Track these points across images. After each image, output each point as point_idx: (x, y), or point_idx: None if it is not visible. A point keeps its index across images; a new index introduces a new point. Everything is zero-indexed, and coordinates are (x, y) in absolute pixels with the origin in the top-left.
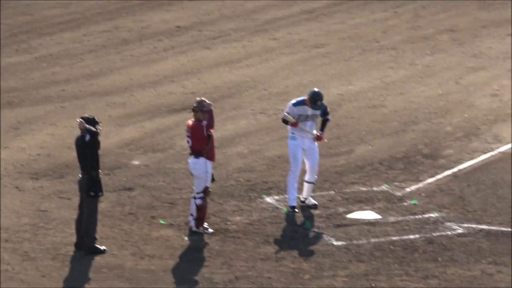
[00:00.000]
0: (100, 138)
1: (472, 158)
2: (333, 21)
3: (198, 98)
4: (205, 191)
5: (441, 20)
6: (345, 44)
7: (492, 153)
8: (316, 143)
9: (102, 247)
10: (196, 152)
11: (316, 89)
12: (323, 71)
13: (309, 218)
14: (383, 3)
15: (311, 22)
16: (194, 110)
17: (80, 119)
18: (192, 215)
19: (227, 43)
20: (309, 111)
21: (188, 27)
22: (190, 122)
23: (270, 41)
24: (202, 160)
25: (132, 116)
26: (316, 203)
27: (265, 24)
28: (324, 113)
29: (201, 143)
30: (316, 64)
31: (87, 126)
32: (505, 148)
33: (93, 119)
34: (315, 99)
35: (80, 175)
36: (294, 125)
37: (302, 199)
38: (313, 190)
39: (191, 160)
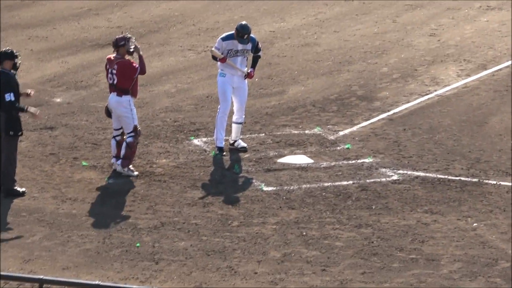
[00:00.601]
0: (20, 73)
1: (408, 101)
2: None
3: (124, 35)
4: (135, 129)
5: None
6: None
7: (430, 95)
8: (246, 81)
9: (22, 189)
10: (121, 89)
11: (243, 22)
12: (255, 6)
13: (238, 161)
14: None
15: None
16: (117, 45)
17: None
18: (114, 157)
19: None
20: (239, 46)
21: None
22: (112, 57)
23: None
24: (126, 97)
25: (55, 51)
26: (246, 145)
27: None
28: (256, 49)
29: (129, 81)
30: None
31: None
32: (442, 90)
33: (11, 52)
34: (242, 33)
35: None
36: (222, 60)
37: (231, 142)
38: (243, 132)
39: (114, 98)
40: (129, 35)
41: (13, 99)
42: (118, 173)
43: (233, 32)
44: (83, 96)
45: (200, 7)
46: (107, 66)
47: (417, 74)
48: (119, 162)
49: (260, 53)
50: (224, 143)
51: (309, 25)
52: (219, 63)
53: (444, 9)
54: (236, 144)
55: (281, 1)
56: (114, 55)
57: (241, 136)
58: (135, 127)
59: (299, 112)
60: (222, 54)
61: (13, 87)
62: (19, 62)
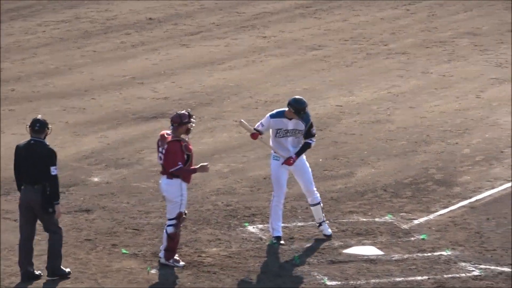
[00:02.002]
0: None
1: (492, 187)
2: (333, 18)
3: (187, 110)
4: (179, 217)
5: (461, 21)
6: (346, 47)
7: None
8: (304, 160)
9: (67, 269)
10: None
11: (297, 96)
12: (320, 77)
13: (299, 252)
14: (393, 0)
15: (308, 18)
16: (181, 122)
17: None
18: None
19: (207, 40)
20: (290, 124)
21: (162, 20)
22: (166, 133)
23: (258, 39)
24: (176, 181)
25: (93, 124)
26: (330, 232)
27: (253, 19)
28: (308, 133)
29: (175, 163)
30: (312, 69)
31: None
32: None
33: (44, 122)
34: (297, 108)
35: (24, 188)
36: (253, 136)
37: (317, 224)
38: (305, 219)
39: (163, 180)
40: (191, 112)
41: (56, 173)
42: (163, 263)
43: (284, 109)
44: (124, 175)
45: (258, 77)
46: (159, 143)
47: (503, 156)
48: (161, 254)
49: (312, 140)
50: (281, 232)
51: (381, 100)
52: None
53: None
54: (321, 228)
55: (350, 73)
56: (169, 132)
57: (324, 217)
58: (179, 214)
59: (369, 197)
60: (263, 131)
61: (56, 159)
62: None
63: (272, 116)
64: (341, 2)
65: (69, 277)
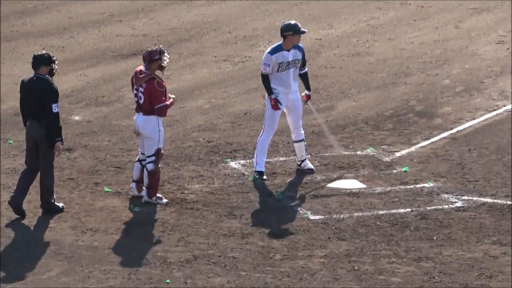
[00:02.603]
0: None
1: (474, 118)
2: None
3: (159, 47)
4: (158, 153)
5: None
6: None
7: (498, 111)
8: (299, 96)
9: (61, 205)
10: (148, 110)
11: (286, 22)
12: (298, 11)
13: (281, 186)
14: None
15: None
16: (151, 59)
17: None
18: (135, 181)
19: None
20: (290, 55)
21: None
22: (140, 70)
23: None
24: (153, 118)
25: (72, 62)
26: (313, 167)
27: None
28: (303, 60)
29: (159, 101)
30: (290, 3)
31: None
32: None
33: (49, 57)
34: (298, 29)
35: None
36: (274, 104)
37: (298, 163)
38: (286, 154)
39: (139, 117)
40: (163, 49)
41: (58, 110)
42: (146, 201)
43: (279, 43)
44: (105, 114)
45: (236, 12)
46: (133, 81)
47: (483, 87)
48: (144, 193)
49: (306, 68)
50: (264, 167)
51: (360, 32)
52: (271, 77)
53: None
54: (302, 165)
55: (328, 5)
56: (142, 68)
57: (307, 156)
58: (158, 151)
59: (350, 130)
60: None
61: (57, 96)
62: (56, 67)
63: (272, 53)
64: None
65: (64, 211)
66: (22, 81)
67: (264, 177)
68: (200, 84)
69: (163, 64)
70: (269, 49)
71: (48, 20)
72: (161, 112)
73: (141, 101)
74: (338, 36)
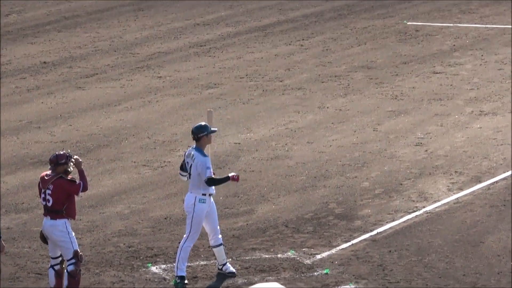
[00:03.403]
0: None
1: (393, 219)
2: (227, 56)
3: (66, 152)
4: (77, 255)
5: (355, 55)
6: (242, 84)
7: (417, 213)
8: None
9: None
10: (56, 212)
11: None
12: (217, 115)
13: None
14: (287, 34)
15: (202, 57)
16: (58, 163)
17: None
18: None
19: (103, 82)
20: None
21: (56, 63)
22: (46, 174)
23: (154, 79)
24: (60, 221)
25: None
26: (234, 270)
27: (148, 60)
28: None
29: (64, 202)
30: (209, 108)
31: None
32: (432, 207)
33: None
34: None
35: None
36: (237, 178)
37: (219, 267)
38: (207, 258)
39: (48, 222)
40: (70, 153)
41: None
42: None
43: (196, 146)
44: (25, 220)
45: (155, 118)
46: (40, 186)
47: (402, 188)
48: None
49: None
50: (185, 271)
51: (279, 136)
52: (195, 188)
53: (431, 115)
54: (224, 268)
55: (247, 110)
56: (48, 172)
57: (228, 259)
58: (75, 252)
59: (270, 233)
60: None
61: None
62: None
63: (206, 155)
64: (235, 40)
65: None
66: None
67: (186, 281)
68: (119, 189)
69: (68, 169)
70: (200, 153)
71: None
72: (84, 188)
73: (49, 204)
74: (257, 140)
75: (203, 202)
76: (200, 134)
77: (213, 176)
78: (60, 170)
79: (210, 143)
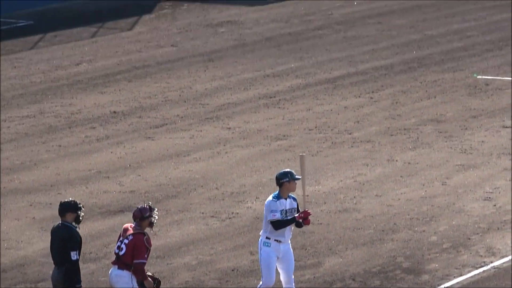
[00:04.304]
0: (20, 244)
1: (461, 274)
2: (297, 108)
3: (148, 204)
4: None
5: (425, 108)
6: (311, 136)
7: (485, 268)
8: (291, 248)
9: None
10: (125, 263)
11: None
12: (286, 167)
13: None
14: (356, 87)
15: (271, 108)
16: (143, 217)
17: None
18: None
19: (172, 133)
20: (287, 204)
21: (126, 113)
22: (130, 226)
23: (223, 130)
24: (126, 273)
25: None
26: None
27: (217, 111)
28: (298, 210)
29: (141, 256)
30: (277, 159)
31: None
32: (500, 262)
33: (75, 204)
34: (293, 177)
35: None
36: (307, 221)
37: None
38: None
39: (114, 271)
40: (152, 206)
41: (78, 257)
42: None
43: (276, 192)
44: (92, 270)
45: (223, 169)
46: (120, 236)
47: (470, 243)
48: None
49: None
50: None
51: (347, 189)
52: (262, 231)
53: (500, 170)
54: None
55: (315, 162)
56: (132, 225)
57: None
58: None
59: (337, 287)
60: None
61: (78, 244)
62: (82, 214)
63: (275, 199)
64: (304, 92)
65: None
66: (52, 228)
67: None
68: (187, 240)
69: (153, 221)
70: (270, 197)
71: (35, 177)
72: (139, 267)
73: (121, 253)
74: (325, 193)
75: (268, 246)
76: (282, 180)
77: (275, 219)
78: (145, 225)
79: (293, 191)
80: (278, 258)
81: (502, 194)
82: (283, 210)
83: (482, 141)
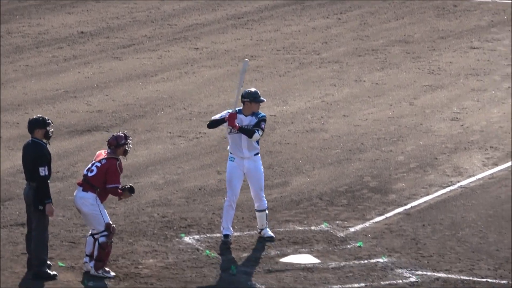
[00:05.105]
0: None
1: (427, 194)
2: (265, 28)
3: (124, 132)
4: (109, 228)
5: (393, 29)
6: (279, 57)
7: (452, 187)
8: (259, 164)
9: (53, 272)
10: (91, 184)
11: (247, 89)
12: (253, 88)
13: (236, 261)
14: (324, 8)
15: (239, 29)
16: (118, 144)
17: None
18: (88, 256)
19: (140, 53)
20: (245, 120)
21: (94, 33)
22: (104, 152)
23: (190, 51)
24: (91, 194)
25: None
26: (273, 235)
27: (185, 31)
28: (256, 124)
29: (102, 183)
30: (245, 80)
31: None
32: (466, 181)
33: (43, 120)
34: (254, 97)
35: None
36: (231, 122)
37: (259, 230)
38: (241, 229)
39: (79, 193)
40: (128, 134)
41: (47, 173)
42: (93, 274)
43: (240, 107)
44: (59, 189)
45: (191, 89)
46: (94, 158)
47: (437, 163)
48: (92, 264)
49: (257, 130)
50: (231, 231)
51: (315, 109)
52: (229, 146)
53: (467, 90)
54: (262, 232)
55: (283, 82)
56: (106, 151)
57: (267, 224)
58: (107, 225)
59: (304, 206)
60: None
61: (48, 159)
62: (52, 130)
63: (234, 111)
64: (272, 12)
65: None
66: (23, 145)
67: (229, 239)
68: (154, 159)
69: (127, 149)
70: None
71: (2, 96)
72: (114, 191)
73: (91, 174)
74: (292, 113)
75: (232, 160)
76: (244, 99)
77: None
78: (120, 152)
79: (255, 111)
80: (246, 174)
81: (469, 115)
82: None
83: (450, 62)
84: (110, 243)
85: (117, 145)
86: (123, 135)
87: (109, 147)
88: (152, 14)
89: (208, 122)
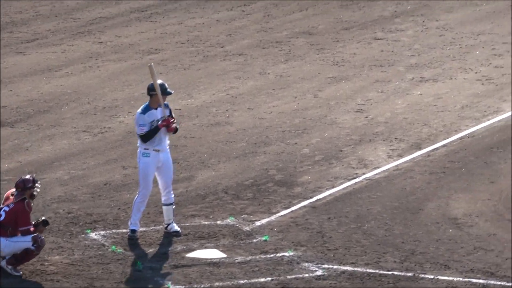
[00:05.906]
0: None
1: (333, 186)
2: (169, 21)
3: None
4: (36, 240)
5: (296, 21)
6: (183, 50)
7: (357, 179)
8: (170, 158)
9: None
10: (2, 226)
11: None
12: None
13: (142, 257)
14: (227, 0)
15: (143, 22)
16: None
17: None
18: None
19: (44, 48)
20: (158, 113)
21: None
22: (12, 194)
23: (94, 45)
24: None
25: None
26: (179, 230)
27: (89, 25)
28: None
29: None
30: (149, 73)
31: None
32: (371, 174)
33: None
34: (165, 88)
35: None
36: (171, 128)
37: (165, 225)
38: (147, 224)
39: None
40: (36, 178)
41: None
42: (8, 272)
43: (147, 103)
44: None
45: (95, 83)
46: (2, 204)
47: (342, 155)
48: (7, 256)
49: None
50: (138, 226)
51: (219, 102)
52: (139, 143)
53: (372, 82)
54: (169, 228)
55: (187, 76)
56: (14, 193)
57: (173, 219)
58: (34, 238)
59: (210, 200)
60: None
61: None
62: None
63: (142, 112)
64: (176, 5)
65: None
66: None
67: (136, 234)
68: (59, 155)
69: (34, 193)
70: (139, 109)
71: None
72: (26, 233)
73: (0, 219)
74: (197, 106)
75: (147, 156)
76: (151, 92)
77: (142, 133)
78: (27, 195)
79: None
80: (158, 167)
81: (373, 106)
82: (153, 120)
83: (354, 53)
84: (36, 253)
85: (24, 188)
86: (31, 178)
87: (16, 190)
88: (56, 8)
89: (143, 137)
